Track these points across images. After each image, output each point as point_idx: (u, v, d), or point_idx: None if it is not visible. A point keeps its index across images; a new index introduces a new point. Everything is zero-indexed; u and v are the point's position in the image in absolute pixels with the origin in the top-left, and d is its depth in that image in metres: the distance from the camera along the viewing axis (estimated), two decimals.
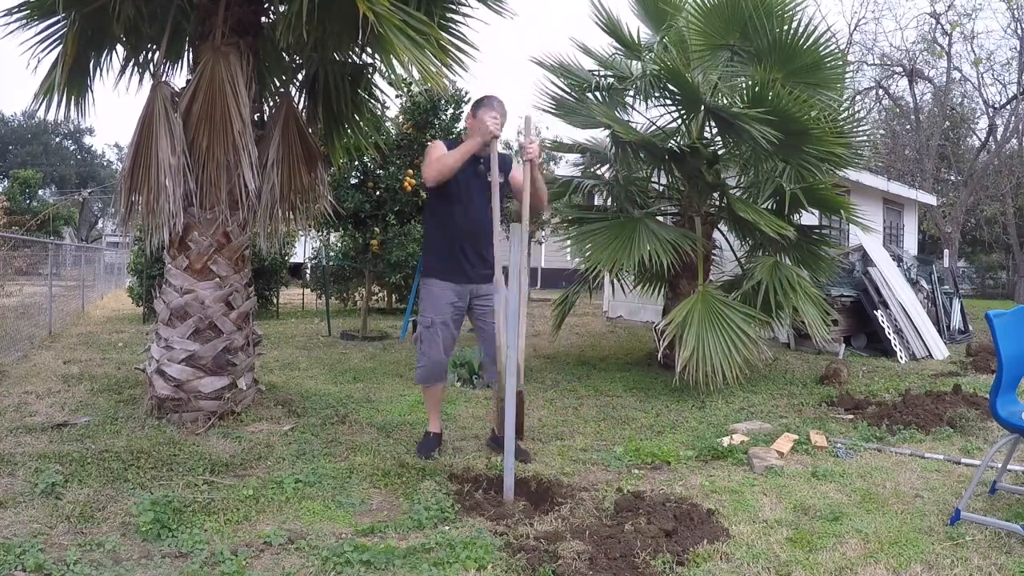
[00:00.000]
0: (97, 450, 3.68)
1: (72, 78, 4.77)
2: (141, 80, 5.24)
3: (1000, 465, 3.38)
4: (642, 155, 6.63)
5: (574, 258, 6.63)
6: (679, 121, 6.59)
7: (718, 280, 7.17)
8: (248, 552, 2.58)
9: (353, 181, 9.29)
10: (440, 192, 3.74)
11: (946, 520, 2.99)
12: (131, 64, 5.15)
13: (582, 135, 7.45)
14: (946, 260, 16.21)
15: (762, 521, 2.99)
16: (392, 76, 5.30)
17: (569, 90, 6.80)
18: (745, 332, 5.64)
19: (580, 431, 4.51)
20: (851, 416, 5.00)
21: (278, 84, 5.46)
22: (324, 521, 2.93)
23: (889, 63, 21.60)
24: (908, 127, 21.89)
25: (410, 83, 8.05)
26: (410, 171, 8.95)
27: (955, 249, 19.70)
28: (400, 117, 9.32)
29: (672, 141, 6.45)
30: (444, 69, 4.21)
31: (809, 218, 7.35)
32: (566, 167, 12.37)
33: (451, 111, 9.35)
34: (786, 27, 6.04)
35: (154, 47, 5.14)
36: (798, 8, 6.10)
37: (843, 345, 8.28)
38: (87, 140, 50.56)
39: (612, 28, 7.20)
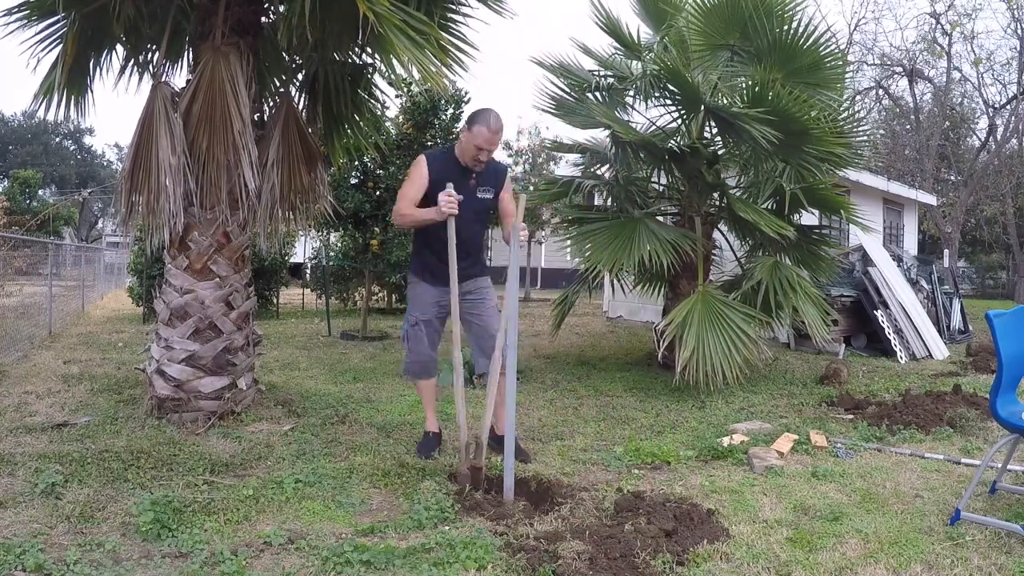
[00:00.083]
0: (97, 450, 3.68)
1: (72, 78, 4.77)
2: (141, 80, 5.25)
3: (1000, 465, 3.38)
4: (642, 155, 6.63)
5: (574, 258, 6.64)
6: (679, 121, 6.59)
7: (718, 280, 7.17)
8: (248, 552, 2.58)
9: (353, 181, 9.29)
10: (429, 203, 3.65)
11: (946, 520, 2.99)
12: (131, 64, 5.16)
13: (582, 135, 7.46)
14: (946, 260, 16.21)
15: (762, 521, 2.99)
16: (392, 76, 5.30)
17: (569, 90, 6.81)
18: (745, 332, 5.64)
19: (580, 431, 4.51)
20: (851, 416, 5.00)
21: (278, 84, 5.46)
22: (324, 521, 2.93)
23: (889, 63, 21.61)
24: (908, 127, 21.89)
25: (410, 83, 8.05)
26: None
27: (955, 249, 19.70)
28: (400, 117, 9.32)
29: (672, 141, 6.45)
30: (444, 69, 4.21)
31: (809, 218, 7.35)
32: (566, 167, 12.38)
33: (451, 111, 9.36)
34: (786, 27, 6.04)
35: (154, 47, 5.14)
36: (798, 8, 6.11)
37: (843, 345, 8.28)
38: (87, 140, 50.63)
39: (612, 28, 7.20)
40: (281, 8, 4.88)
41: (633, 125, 6.82)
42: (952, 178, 22.69)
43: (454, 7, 4.84)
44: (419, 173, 3.68)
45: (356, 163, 9.07)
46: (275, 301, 12.05)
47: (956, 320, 10.39)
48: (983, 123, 22.21)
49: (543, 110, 6.90)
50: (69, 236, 29.33)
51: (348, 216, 8.93)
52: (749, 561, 2.59)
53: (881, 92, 22.21)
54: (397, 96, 8.94)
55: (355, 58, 5.25)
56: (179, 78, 5.37)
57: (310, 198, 5.02)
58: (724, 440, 4.15)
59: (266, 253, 5.46)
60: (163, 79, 4.55)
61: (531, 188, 14.77)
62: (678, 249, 5.97)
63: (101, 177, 47.23)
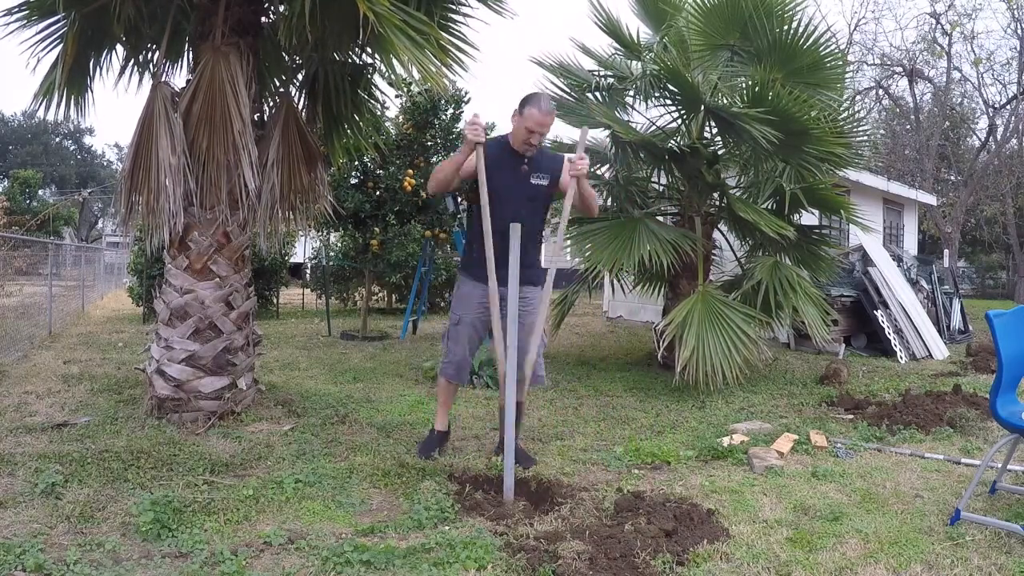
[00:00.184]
0: (97, 450, 3.68)
1: (72, 78, 4.77)
2: (141, 80, 5.24)
3: (1000, 465, 3.38)
4: (642, 155, 6.64)
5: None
6: (679, 121, 6.59)
7: (718, 280, 7.17)
8: (248, 552, 2.58)
9: (353, 181, 9.29)
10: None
11: (946, 520, 2.99)
12: (131, 64, 5.15)
13: None
14: (946, 260, 16.21)
15: (762, 521, 2.99)
16: (392, 76, 5.29)
17: (569, 90, 6.81)
18: (745, 332, 5.64)
19: (580, 431, 4.51)
20: (851, 416, 5.00)
21: (278, 84, 5.46)
22: (324, 521, 2.93)
23: (889, 63, 21.62)
24: (908, 127, 21.90)
25: (410, 83, 8.04)
26: (410, 171, 8.95)
27: (955, 249, 19.70)
28: (400, 117, 9.31)
29: (672, 141, 6.46)
30: (444, 69, 4.21)
31: (809, 218, 7.35)
32: None
33: (451, 111, 9.35)
34: (786, 27, 6.05)
35: (154, 47, 5.14)
36: (798, 8, 6.11)
37: (843, 345, 8.28)
38: (87, 140, 50.63)
39: (612, 28, 7.20)
40: (281, 8, 4.88)
41: (633, 125, 6.83)
42: (952, 178, 22.70)
43: (454, 7, 4.84)
44: (462, 151, 3.59)
45: (356, 163, 9.06)
46: (275, 301, 12.05)
47: (956, 320, 10.39)
48: (983, 123, 22.26)
49: None
50: (69, 236, 29.34)
51: (348, 216, 8.92)
52: (749, 561, 2.59)
53: (881, 92, 22.22)
54: (397, 96, 8.94)
55: (355, 58, 5.25)
56: (179, 78, 5.38)
57: (310, 198, 5.02)
58: (724, 440, 4.14)
59: (266, 253, 5.46)
60: (163, 79, 4.55)
61: None
62: (678, 249, 5.97)
63: (101, 177, 47.24)
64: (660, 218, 6.81)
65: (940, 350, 8.26)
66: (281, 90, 5.29)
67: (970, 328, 10.61)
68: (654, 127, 6.99)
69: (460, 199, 9.01)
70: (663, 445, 4.09)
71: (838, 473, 3.65)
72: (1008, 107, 20.54)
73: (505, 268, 3.37)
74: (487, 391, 5.65)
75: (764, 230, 5.76)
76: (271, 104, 5.32)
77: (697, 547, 2.68)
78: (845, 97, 6.89)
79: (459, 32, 4.83)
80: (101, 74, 5.06)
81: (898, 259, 10.28)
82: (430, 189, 3.73)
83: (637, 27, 7.25)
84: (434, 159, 9.31)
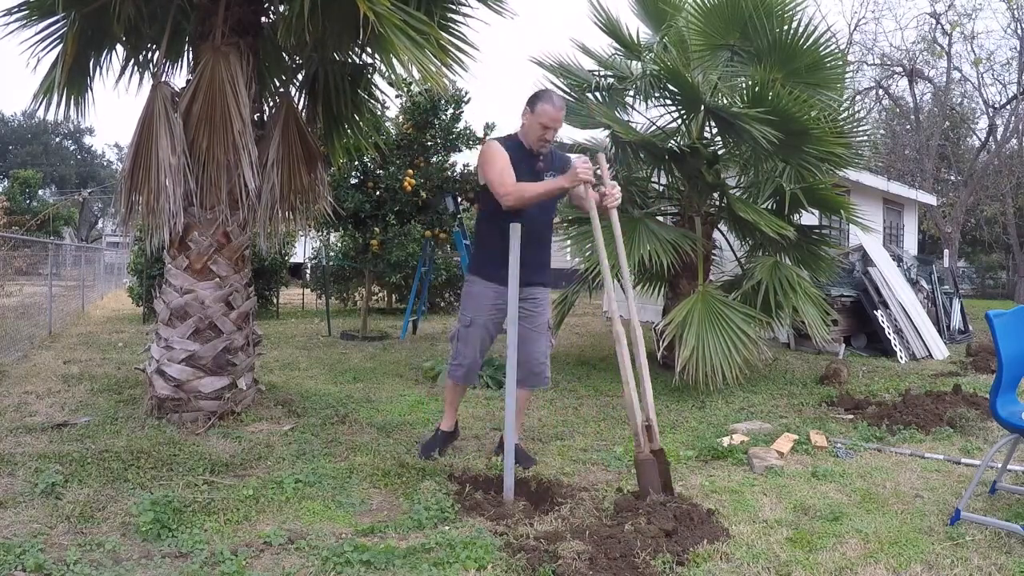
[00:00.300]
0: (97, 450, 3.68)
1: (72, 78, 4.77)
2: (141, 80, 5.25)
3: (1000, 465, 3.38)
4: (642, 155, 6.63)
5: (574, 258, 6.63)
6: (679, 121, 6.59)
7: (718, 280, 7.17)
8: (248, 552, 2.58)
9: (353, 181, 9.28)
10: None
11: (946, 520, 2.99)
12: (131, 64, 5.16)
13: (582, 135, 7.46)
14: (946, 260, 16.22)
15: (762, 521, 2.99)
16: (392, 76, 5.30)
17: (569, 90, 6.80)
18: (745, 332, 5.64)
19: (580, 431, 4.51)
20: (851, 416, 5.00)
21: (278, 84, 5.46)
22: (324, 521, 2.93)
23: (889, 63, 21.62)
24: (908, 127, 21.90)
25: (410, 83, 8.04)
26: (410, 171, 8.95)
27: (955, 249, 19.70)
28: (400, 117, 9.31)
29: (672, 141, 6.45)
30: (444, 69, 4.21)
31: (809, 218, 7.35)
32: None
33: (451, 111, 9.35)
34: (786, 27, 6.04)
35: (154, 47, 5.14)
36: (798, 8, 6.11)
37: (843, 345, 8.28)
38: (87, 140, 50.63)
39: (612, 28, 7.20)
40: (281, 8, 4.88)
41: (633, 125, 6.83)
42: (952, 178, 22.71)
43: (454, 7, 4.84)
44: (499, 152, 3.54)
45: (356, 163, 9.06)
46: (275, 301, 12.04)
47: (956, 320, 10.39)
48: (983, 123, 22.26)
49: None
50: (69, 236, 29.34)
51: (348, 216, 8.92)
52: (749, 561, 2.59)
53: (881, 92, 22.23)
54: (397, 96, 8.94)
55: (355, 58, 5.25)
56: (179, 78, 5.39)
57: (310, 198, 5.02)
58: (724, 440, 4.14)
59: (266, 253, 5.46)
60: (163, 79, 4.55)
61: None
62: (678, 249, 5.97)
63: (101, 177, 47.23)
64: (660, 218, 6.80)
65: (940, 350, 8.26)
66: (281, 90, 5.29)
67: (970, 328, 10.61)
68: (654, 127, 6.99)
69: (460, 199, 9.02)
70: (663, 445, 4.08)
71: (838, 473, 3.65)
72: (1008, 107, 20.55)
73: (524, 268, 3.34)
74: (487, 391, 5.65)
75: (764, 230, 5.75)
76: (271, 104, 5.32)
77: (697, 547, 2.68)
78: (845, 97, 6.89)
79: (459, 32, 4.83)
80: (101, 74, 5.07)
81: (898, 259, 10.28)
82: (512, 204, 3.47)
83: (637, 27, 7.26)
84: (434, 159, 9.31)
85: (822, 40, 6.06)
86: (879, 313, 8.23)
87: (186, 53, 5.17)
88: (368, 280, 10.04)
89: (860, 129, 6.60)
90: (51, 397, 5.05)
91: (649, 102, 6.52)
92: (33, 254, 11.18)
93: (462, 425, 4.56)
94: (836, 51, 6.47)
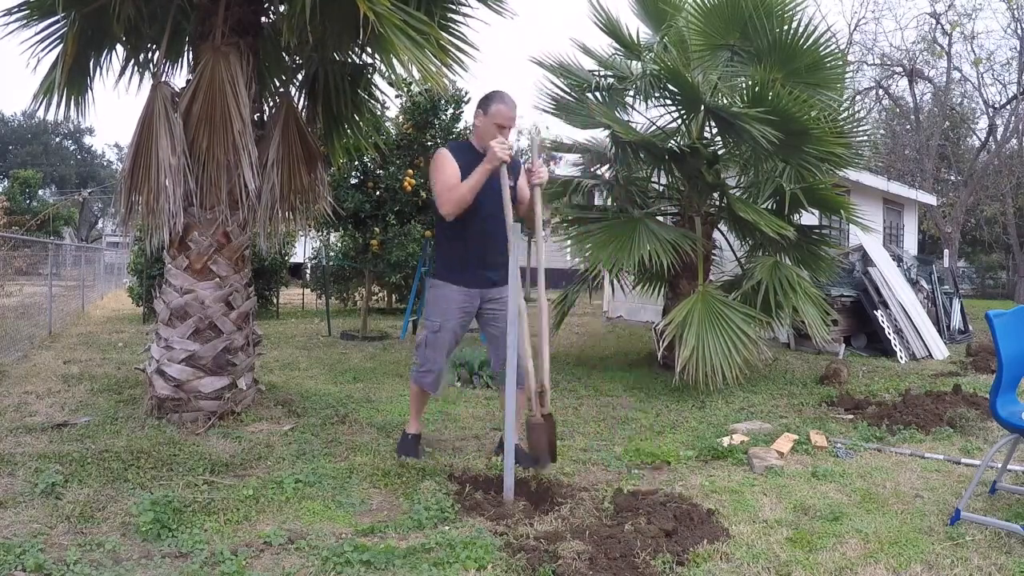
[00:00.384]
0: (97, 450, 3.68)
1: (72, 78, 4.77)
2: (141, 80, 5.24)
3: (1000, 465, 3.38)
4: (642, 155, 6.63)
5: (574, 258, 6.63)
6: (679, 121, 6.59)
7: (718, 280, 7.17)
8: (248, 552, 2.58)
9: (353, 181, 9.29)
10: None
11: (946, 520, 2.99)
12: (131, 64, 5.15)
13: (582, 135, 7.47)
14: (946, 260, 16.21)
15: (762, 521, 2.99)
16: (392, 76, 5.30)
17: (569, 90, 6.81)
18: (745, 332, 5.64)
19: (580, 431, 4.51)
20: (851, 416, 5.00)
21: (278, 84, 5.46)
22: (324, 521, 2.93)
23: (889, 63, 21.61)
24: (908, 127, 21.89)
25: (410, 83, 8.05)
26: (410, 171, 8.95)
27: (955, 249, 19.70)
28: (400, 117, 9.32)
29: (672, 141, 6.46)
30: (444, 69, 4.21)
31: (809, 218, 7.35)
32: (566, 167, 12.40)
33: (451, 111, 9.36)
34: (786, 27, 6.04)
35: (154, 47, 5.14)
36: (798, 8, 6.11)
37: (843, 345, 8.28)
38: (87, 140, 50.62)
39: (612, 28, 7.20)
40: (281, 8, 4.88)
41: (633, 125, 6.83)
42: (952, 178, 22.70)
43: (454, 7, 4.84)
44: (446, 160, 3.60)
45: (356, 163, 9.07)
46: (275, 301, 12.05)
47: (956, 320, 10.39)
48: (983, 123, 22.25)
49: (543, 110, 6.91)
50: (69, 236, 29.33)
51: (348, 216, 8.93)
52: (749, 561, 2.59)
53: (881, 92, 22.22)
54: (397, 96, 8.95)
55: (355, 58, 5.25)
56: (179, 78, 5.38)
57: (310, 198, 5.02)
58: (724, 440, 4.15)
59: (266, 253, 5.46)
60: (163, 79, 4.55)
61: None
62: (678, 249, 5.97)
63: (101, 177, 47.23)
64: (660, 218, 6.80)
65: (940, 350, 8.26)
66: (281, 90, 5.29)
67: (970, 328, 10.61)
68: (654, 127, 6.99)
69: None
70: (663, 445, 4.09)
71: (838, 473, 3.65)
72: (1008, 107, 20.54)
73: (487, 270, 3.50)
74: (487, 391, 5.65)
75: (764, 230, 5.75)
76: (271, 104, 5.32)
77: (697, 547, 2.68)
78: (845, 97, 6.88)
79: (459, 32, 4.83)
80: (101, 74, 5.07)
81: (898, 259, 10.28)
82: (451, 212, 3.59)
83: (637, 27, 7.26)
84: None
85: (822, 40, 6.06)
86: (879, 313, 8.23)
87: (186, 53, 5.17)
88: (368, 280, 10.04)
89: (860, 129, 6.60)
90: (51, 397, 5.05)
91: (649, 102, 6.52)
92: (33, 254, 11.18)
93: (462, 425, 4.57)
94: (836, 51, 6.47)
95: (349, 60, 5.24)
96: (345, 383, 5.91)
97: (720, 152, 6.57)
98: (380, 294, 12.81)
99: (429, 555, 2.58)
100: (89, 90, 5.03)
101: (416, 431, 3.92)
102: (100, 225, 45.49)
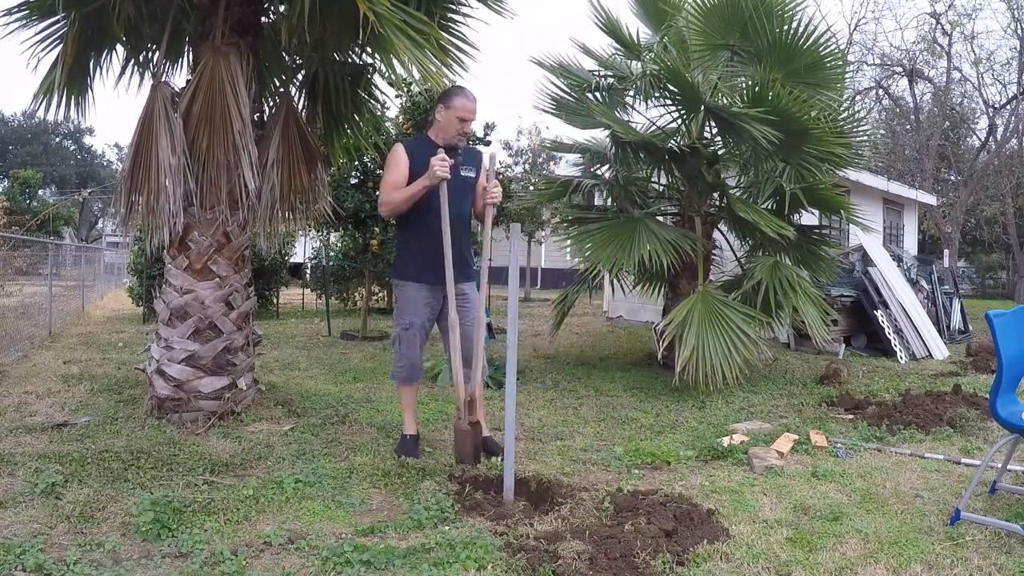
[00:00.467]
0: (97, 450, 3.68)
1: (72, 78, 4.77)
2: (141, 80, 5.24)
3: (1000, 465, 3.38)
4: (642, 155, 6.63)
5: (574, 258, 6.63)
6: (679, 121, 6.59)
7: (718, 280, 7.17)
8: (248, 552, 2.58)
9: (353, 181, 9.29)
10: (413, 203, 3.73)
11: (946, 520, 2.99)
12: (131, 64, 5.15)
13: (582, 135, 7.46)
14: (946, 260, 16.21)
15: (762, 521, 2.99)
16: (392, 76, 5.30)
17: (569, 90, 6.80)
18: (745, 332, 5.64)
19: (580, 431, 4.51)
20: (851, 416, 5.00)
21: (278, 84, 5.46)
22: (324, 521, 2.93)
23: (889, 63, 21.61)
24: (908, 127, 21.89)
25: (410, 83, 8.05)
26: None
27: (955, 249, 19.70)
28: (400, 117, 9.32)
29: (672, 141, 6.45)
30: (444, 69, 4.22)
31: (809, 218, 7.35)
32: (566, 167, 12.41)
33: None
34: (786, 27, 6.04)
35: (154, 47, 5.14)
36: (798, 8, 6.11)
37: (843, 345, 8.28)
38: (87, 140, 50.61)
39: (612, 28, 7.20)
40: (281, 8, 4.88)
41: (633, 125, 6.82)
42: (952, 178, 22.70)
43: (454, 7, 4.84)
44: (399, 159, 3.75)
45: (356, 163, 9.06)
46: (275, 301, 12.05)
47: (956, 320, 10.39)
48: (983, 123, 22.24)
49: (543, 110, 6.90)
50: (69, 236, 29.33)
51: (348, 216, 8.92)
52: (749, 561, 2.59)
53: (881, 92, 22.21)
54: (397, 96, 8.95)
55: (355, 58, 5.25)
56: (179, 78, 5.39)
57: (310, 198, 5.02)
58: (724, 440, 4.15)
59: (266, 253, 5.46)
60: (163, 79, 4.55)
61: (531, 188, 14.77)
62: (678, 249, 5.97)
63: (101, 177, 47.23)
64: (660, 218, 6.80)
65: (940, 350, 8.26)
66: (281, 90, 5.29)
67: (970, 328, 10.61)
68: (654, 127, 6.99)
69: None
70: (663, 445, 4.09)
71: (838, 473, 3.65)
72: (1008, 107, 20.54)
73: (442, 267, 3.62)
74: (487, 391, 5.64)
75: (764, 230, 5.75)
76: (271, 104, 5.32)
77: (697, 547, 2.68)
78: (845, 97, 6.88)
79: (459, 32, 4.83)
80: (101, 74, 5.07)
81: (898, 259, 10.28)
82: (385, 214, 3.86)
83: (637, 27, 7.26)
84: None
85: (822, 40, 6.06)
86: (879, 313, 8.23)
87: (186, 53, 5.17)
88: (368, 280, 10.04)
89: (860, 129, 6.60)
90: (51, 397, 5.05)
91: (649, 102, 6.52)
92: (33, 254, 11.18)
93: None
94: (836, 51, 6.47)
95: (349, 60, 5.24)
96: (345, 383, 5.91)
97: (720, 152, 6.57)
98: (380, 294, 12.81)
99: (429, 555, 2.58)
100: (89, 90, 5.04)
101: (414, 431, 3.94)
102: (100, 225, 45.50)
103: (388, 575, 2.46)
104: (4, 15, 4.45)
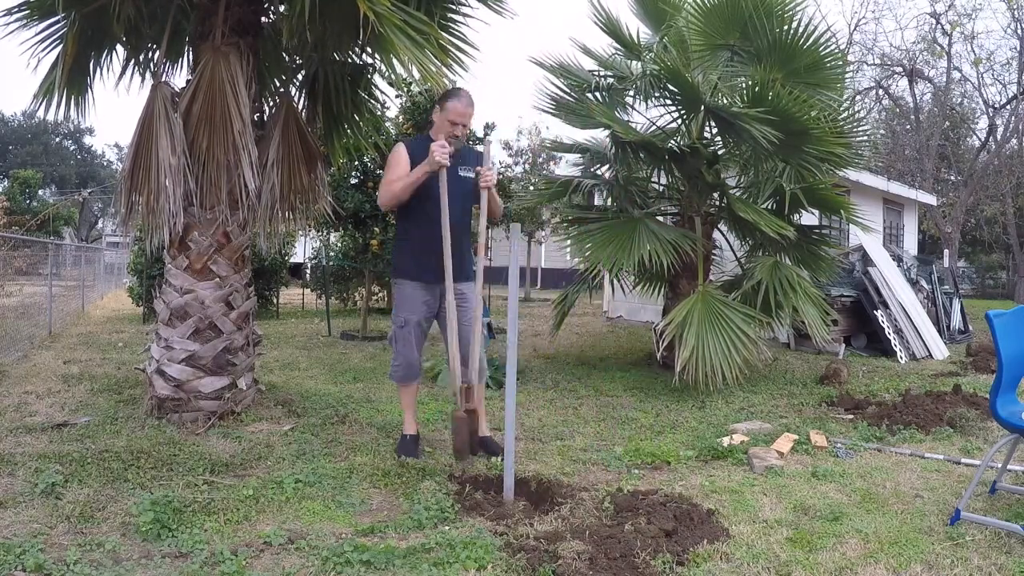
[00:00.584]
0: (97, 450, 3.68)
1: (72, 78, 4.77)
2: (141, 80, 5.24)
3: (1000, 465, 3.38)
4: (642, 155, 6.63)
5: (574, 258, 6.62)
6: (679, 121, 6.59)
7: (718, 280, 7.17)
8: (248, 552, 2.58)
9: (353, 181, 9.29)
10: (414, 191, 3.72)
11: (946, 520, 2.99)
12: (131, 64, 5.15)
13: (582, 135, 7.46)
14: (946, 260, 16.21)
15: (762, 521, 2.99)
16: (392, 76, 5.30)
17: (569, 90, 6.80)
18: (745, 332, 5.64)
19: (580, 431, 4.51)
20: (851, 416, 5.00)
21: (278, 84, 5.46)
22: (324, 521, 2.93)
23: (889, 63, 21.61)
24: (908, 127, 21.89)
25: (410, 83, 8.04)
26: None
27: (955, 249, 19.70)
28: (400, 117, 9.32)
29: (672, 141, 6.45)
30: (444, 69, 4.22)
31: (809, 218, 7.35)
32: (566, 167, 12.41)
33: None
34: (786, 27, 6.04)
35: (154, 47, 5.14)
36: (798, 8, 6.11)
37: (843, 345, 8.28)
38: (87, 140, 50.61)
39: (612, 28, 7.20)
40: (281, 8, 4.88)
41: (633, 125, 6.82)
42: (952, 178, 22.70)
43: (454, 7, 4.84)
44: (400, 158, 3.75)
45: (356, 163, 9.06)
46: (275, 301, 12.05)
47: (956, 320, 10.39)
48: (983, 123, 22.25)
49: (543, 110, 6.90)
50: (69, 236, 29.33)
51: (348, 216, 8.92)
52: (749, 561, 2.59)
53: (881, 92, 22.22)
54: (397, 96, 8.95)
55: (355, 58, 5.25)
56: (179, 78, 5.38)
57: (310, 198, 5.02)
58: (724, 440, 4.15)
59: (266, 253, 5.46)
60: (163, 79, 4.55)
61: (531, 188, 14.78)
62: (678, 249, 5.97)
63: (101, 177, 47.23)
64: (660, 218, 6.80)
65: (940, 350, 8.26)
66: (281, 90, 5.29)
67: (970, 328, 10.61)
68: (654, 127, 6.99)
69: None
70: (663, 445, 4.09)
71: (838, 473, 3.65)
72: (1008, 107, 20.53)
73: (439, 266, 3.61)
74: (487, 391, 5.64)
75: (764, 230, 5.75)
76: (271, 104, 5.32)
77: (697, 547, 2.68)
78: (845, 97, 6.88)
79: (459, 32, 4.83)
80: (101, 74, 5.07)
81: (898, 259, 10.28)
82: (383, 205, 3.85)
83: (637, 27, 7.26)
84: None
85: (822, 40, 6.06)
86: (879, 313, 8.23)
87: (186, 53, 5.17)
88: (368, 280, 10.04)
89: (860, 129, 6.60)
90: (51, 397, 5.05)
91: (649, 102, 6.52)
92: (33, 254, 11.18)
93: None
94: (836, 51, 6.47)
95: (349, 60, 5.24)
96: (345, 383, 5.91)
97: (720, 152, 6.57)
98: (380, 294, 12.81)
99: (429, 555, 2.58)
100: (89, 90, 5.03)
101: (414, 431, 3.94)
102: (100, 225, 45.49)
103: (388, 575, 2.46)
104: (4, 15, 4.45)
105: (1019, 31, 19.76)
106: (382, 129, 7.43)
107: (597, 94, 6.85)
